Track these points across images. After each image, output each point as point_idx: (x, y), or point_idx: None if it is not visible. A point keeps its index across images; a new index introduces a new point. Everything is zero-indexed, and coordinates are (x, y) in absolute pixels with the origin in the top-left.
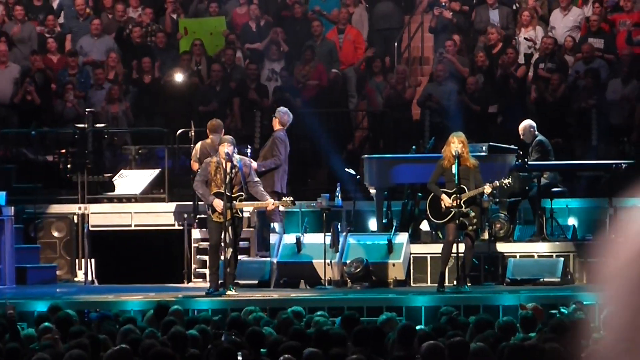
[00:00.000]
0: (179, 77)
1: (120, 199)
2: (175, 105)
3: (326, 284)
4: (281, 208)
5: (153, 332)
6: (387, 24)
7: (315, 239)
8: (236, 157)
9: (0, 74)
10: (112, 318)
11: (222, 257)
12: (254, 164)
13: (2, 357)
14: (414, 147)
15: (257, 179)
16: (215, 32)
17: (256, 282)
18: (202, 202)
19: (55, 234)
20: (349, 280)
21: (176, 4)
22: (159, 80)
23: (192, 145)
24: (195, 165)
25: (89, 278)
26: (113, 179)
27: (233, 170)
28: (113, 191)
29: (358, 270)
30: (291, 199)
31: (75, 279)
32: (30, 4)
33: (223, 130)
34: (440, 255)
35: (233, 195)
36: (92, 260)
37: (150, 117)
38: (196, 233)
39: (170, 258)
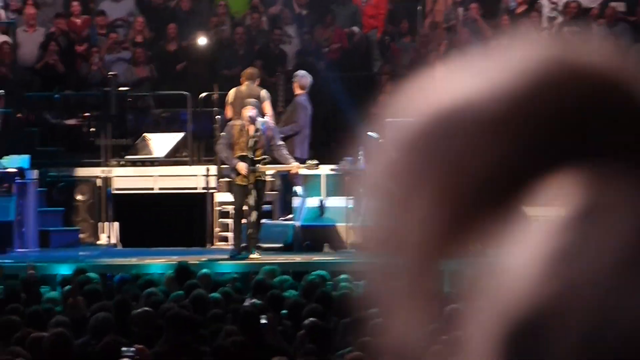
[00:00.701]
0: (202, 40)
1: (144, 162)
2: (199, 68)
3: (349, 248)
4: (304, 171)
5: (179, 295)
6: None
7: (338, 203)
8: (259, 120)
9: (29, 37)
10: (133, 281)
11: (245, 221)
12: (277, 128)
13: (25, 320)
14: None
15: (280, 142)
16: None
17: (279, 245)
18: (225, 165)
19: (79, 197)
20: (371, 244)
21: None
22: (182, 45)
23: (214, 108)
24: (228, 110)
25: (112, 241)
26: (136, 142)
27: (257, 134)
28: (136, 154)
29: (380, 234)
30: (316, 162)
31: (99, 242)
32: None
33: (258, 79)
34: None
35: (256, 159)
36: (116, 223)
37: (174, 81)
38: (219, 196)
39: (193, 221)
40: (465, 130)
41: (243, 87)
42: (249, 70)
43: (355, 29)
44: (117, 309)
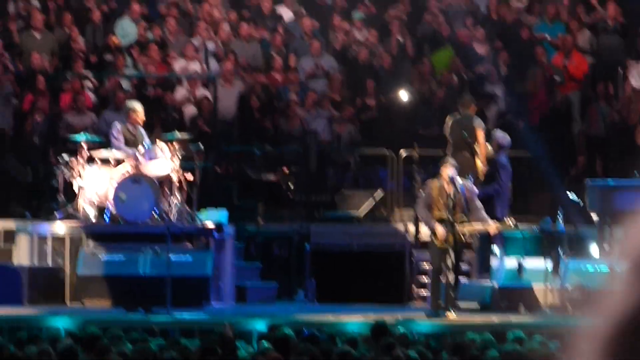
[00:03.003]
0: (403, 95)
1: (342, 219)
2: (398, 125)
3: (547, 309)
4: (503, 231)
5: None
6: (611, 55)
7: (536, 264)
8: (459, 181)
9: (225, 91)
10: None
11: (443, 280)
12: (476, 189)
13: None
14: (636, 172)
15: (479, 204)
16: (444, 54)
17: (477, 305)
18: (424, 224)
19: (276, 252)
20: (569, 306)
21: (402, 26)
22: (381, 100)
23: (413, 165)
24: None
25: (310, 297)
26: (335, 199)
27: (455, 194)
28: (335, 210)
29: (579, 296)
30: (513, 221)
31: (296, 298)
32: (259, 16)
33: (473, 106)
34: None
35: (455, 219)
36: (313, 279)
37: (373, 137)
38: (417, 254)
39: (390, 279)
40: None
41: (458, 116)
42: (465, 98)
43: (556, 90)
44: None
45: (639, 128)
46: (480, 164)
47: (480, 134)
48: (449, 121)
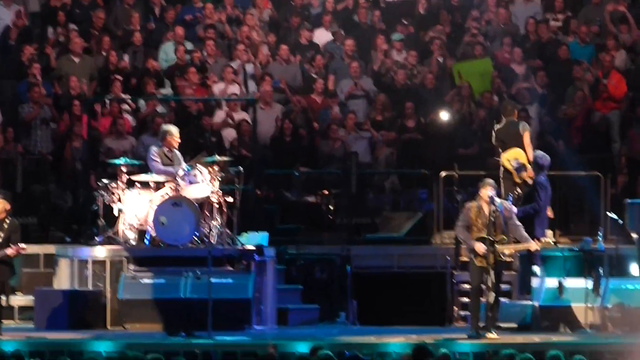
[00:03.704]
0: (444, 115)
1: (383, 241)
2: (438, 146)
3: (587, 328)
4: (544, 252)
5: None
6: None
7: (576, 284)
8: (497, 200)
9: (264, 114)
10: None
11: (483, 300)
12: (514, 209)
13: None
14: None
15: (518, 222)
16: (485, 74)
17: (517, 325)
18: (464, 245)
19: (318, 274)
20: (610, 325)
21: (442, 47)
22: (421, 122)
23: (453, 188)
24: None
25: (351, 319)
26: (376, 221)
27: (494, 214)
28: (375, 233)
29: (619, 315)
30: (553, 239)
31: (337, 320)
32: (297, 43)
33: (516, 112)
34: None
35: (495, 239)
36: (355, 301)
37: (413, 158)
38: (458, 276)
39: (431, 300)
40: None
41: (504, 124)
42: (507, 106)
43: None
44: None
45: None
46: (526, 162)
47: (527, 136)
48: (495, 129)
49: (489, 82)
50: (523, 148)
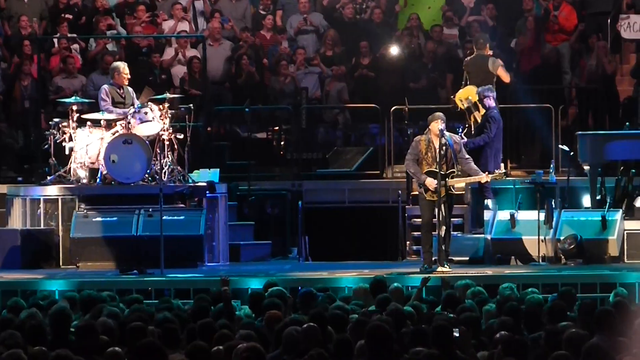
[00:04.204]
0: (394, 50)
1: (335, 176)
2: (389, 81)
3: (539, 261)
4: (495, 184)
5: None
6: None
7: (529, 216)
8: (446, 134)
9: (214, 51)
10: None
11: (434, 234)
12: (464, 141)
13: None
14: (627, 123)
15: (467, 155)
16: (433, 7)
17: (470, 258)
18: (415, 179)
19: (269, 210)
20: (562, 257)
21: None
22: (373, 57)
23: (405, 122)
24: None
25: (303, 254)
26: (327, 156)
27: (444, 147)
28: (327, 168)
29: (572, 246)
30: (504, 171)
31: (290, 256)
32: None
33: (487, 46)
34: None
35: (445, 173)
36: (306, 237)
37: (364, 94)
38: (410, 210)
39: (384, 235)
40: None
41: (473, 56)
42: (479, 39)
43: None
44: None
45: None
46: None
47: (501, 70)
48: (466, 60)
49: (439, 16)
50: (489, 82)
